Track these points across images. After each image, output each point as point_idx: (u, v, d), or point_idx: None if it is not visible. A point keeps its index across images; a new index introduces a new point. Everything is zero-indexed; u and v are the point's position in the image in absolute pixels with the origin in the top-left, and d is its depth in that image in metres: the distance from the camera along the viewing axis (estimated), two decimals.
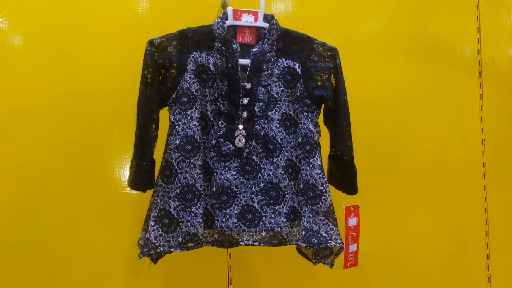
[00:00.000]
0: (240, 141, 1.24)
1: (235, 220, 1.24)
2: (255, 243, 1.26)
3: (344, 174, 1.33)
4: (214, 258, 1.57)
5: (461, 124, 1.88)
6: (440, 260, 1.85)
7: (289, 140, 1.28)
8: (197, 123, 1.22)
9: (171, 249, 1.20)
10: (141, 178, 1.21)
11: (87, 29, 1.48)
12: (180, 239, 1.20)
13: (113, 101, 1.48)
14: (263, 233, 1.26)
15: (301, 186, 1.27)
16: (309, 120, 1.26)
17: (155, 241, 1.19)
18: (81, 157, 1.47)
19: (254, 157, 1.26)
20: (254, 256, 1.62)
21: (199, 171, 1.22)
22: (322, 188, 1.24)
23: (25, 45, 1.44)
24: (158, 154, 1.25)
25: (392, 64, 1.78)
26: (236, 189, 1.25)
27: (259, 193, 1.26)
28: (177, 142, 1.20)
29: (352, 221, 1.31)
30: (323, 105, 1.31)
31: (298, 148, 1.28)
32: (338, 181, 1.35)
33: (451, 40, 1.86)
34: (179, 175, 1.20)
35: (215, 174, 1.25)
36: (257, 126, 1.26)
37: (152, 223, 1.19)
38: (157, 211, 1.21)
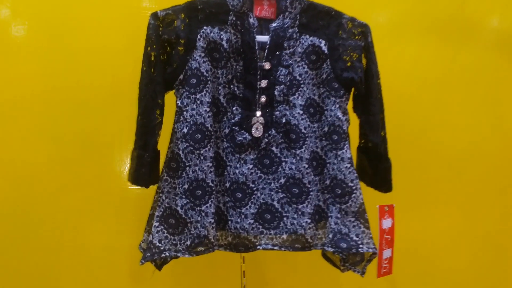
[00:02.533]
0: (257, 130, 1.15)
1: (252, 221, 1.16)
2: (275, 248, 1.19)
3: (377, 169, 1.24)
4: (226, 263, 1.50)
5: (500, 115, 1.77)
6: (477, 265, 1.78)
7: (314, 129, 1.19)
8: (208, 109, 1.12)
9: (178, 254, 1.14)
10: (143, 171, 1.14)
11: (83, 9, 1.44)
12: (188, 242, 1.13)
13: (112, 87, 1.45)
14: (284, 236, 1.19)
15: (328, 182, 1.17)
16: (337, 106, 1.16)
17: (160, 245, 1.12)
18: (77, 150, 1.45)
19: (273, 148, 1.17)
20: (270, 261, 1.58)
21: (210, 164, 1.13)
22: (352, 184, 1.15)
23: (20, 34, 1.42)
24: (163, 145, 1.17)
25: (424, 47, 1.67)
26: (253, 185, 1.17)
27: (280, 190, 1.17)
28: (185, 130, 1.11)
29: (387, 223, 1.21)
30: (352, 89, 1.20)
31: (324, 139, 1.18)
32: (370, 177, 1.26)
33: (490, 21, 1.75)
34: (187, 168, 1.12)
35: (228, 167, 1.16)
36: (277, 112, 1.16)
37: (156, 224, 1.12)
38: (162, 210, 1.14)
